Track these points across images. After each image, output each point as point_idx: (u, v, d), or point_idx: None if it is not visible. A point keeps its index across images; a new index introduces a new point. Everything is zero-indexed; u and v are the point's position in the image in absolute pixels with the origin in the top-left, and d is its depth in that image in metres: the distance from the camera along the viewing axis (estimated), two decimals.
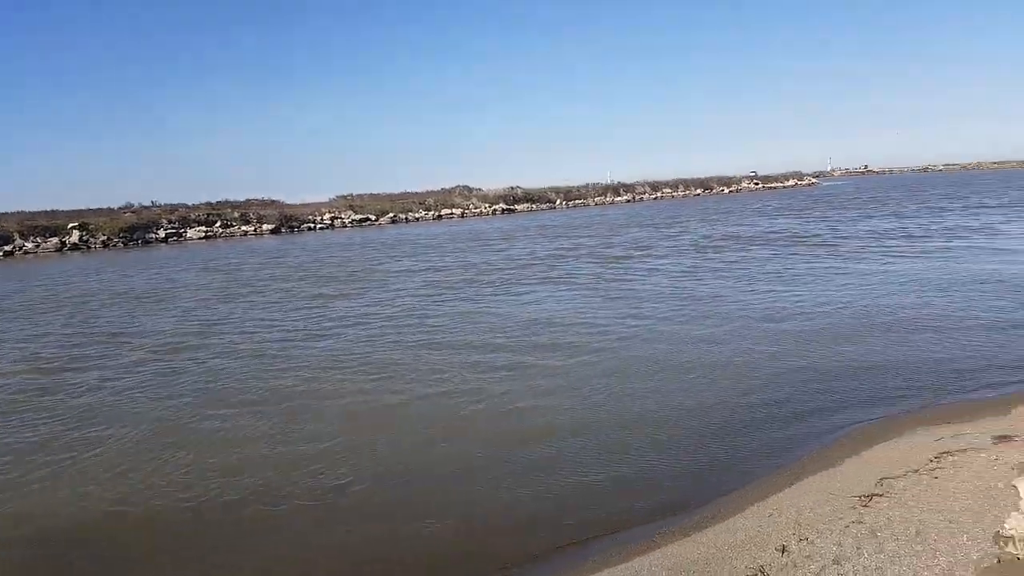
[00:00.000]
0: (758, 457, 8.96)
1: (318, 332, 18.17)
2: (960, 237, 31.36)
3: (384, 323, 18.98)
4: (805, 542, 6.54)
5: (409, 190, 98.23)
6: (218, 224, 73.00)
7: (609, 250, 35.36)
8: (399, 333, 17.42)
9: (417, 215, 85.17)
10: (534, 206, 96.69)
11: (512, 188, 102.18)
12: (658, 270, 26.80)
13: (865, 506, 7.20)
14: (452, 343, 15.90)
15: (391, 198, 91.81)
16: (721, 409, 10.59)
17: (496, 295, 22.88)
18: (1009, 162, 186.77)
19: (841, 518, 6.94)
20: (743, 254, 30.29)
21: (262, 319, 20.83)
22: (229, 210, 77.09)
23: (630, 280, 24.53)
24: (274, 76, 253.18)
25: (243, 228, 73.35)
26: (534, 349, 14.84)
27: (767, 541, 6.73)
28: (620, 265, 29.23)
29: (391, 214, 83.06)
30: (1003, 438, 8.20)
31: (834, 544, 6.36)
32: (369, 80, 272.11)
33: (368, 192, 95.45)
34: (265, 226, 73.62)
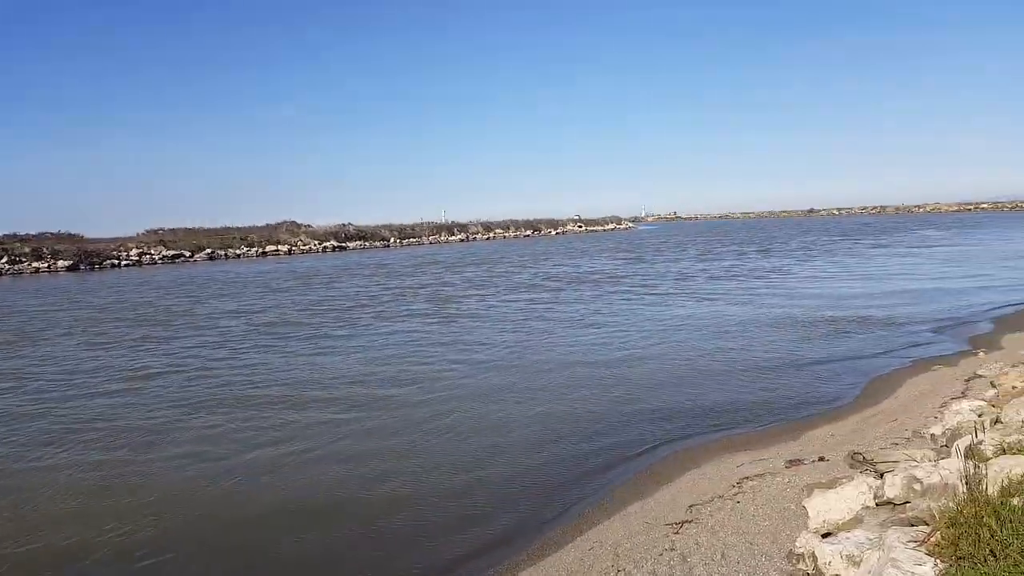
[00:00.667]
0: (580, 491, 9.09)
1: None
2: (757, 278, 34.88)
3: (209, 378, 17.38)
4: (623, 573, 6.64)
5: (231, 224, 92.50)
6: (4, 260, 64.22)
7: (447, 289, 35.36)
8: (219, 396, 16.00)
9: (239, 251, 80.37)
10: (367, 244, 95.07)
11: (344, 225, 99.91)
12: (495, 307, 27.13)
13: (677, 533, 7.50)
14: (242, 398, 14.87)
15: (209, 233, 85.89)
16: (543, 446, 10.69)
17: (326, 337, 21.89)
18: (795, 211, 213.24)
19: (656, 546, 7.15)
20: (572, 293, 31.55)
21: None
22: (18, 244, 68.16)
23: (464, 319, 24.56)
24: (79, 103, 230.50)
25: (35, 264, 65.07)
26: (355, 403, 14.15)
27: (588, 574, 6.77)
28: (457, 304, 29.27)
29: (208, 250, 77.65)
30: (794, 462, 8.95)
31: (649, 573, 6.52)
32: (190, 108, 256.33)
33: (183, 226, 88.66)
34: (60, 262, 65.81)
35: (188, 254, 76.11)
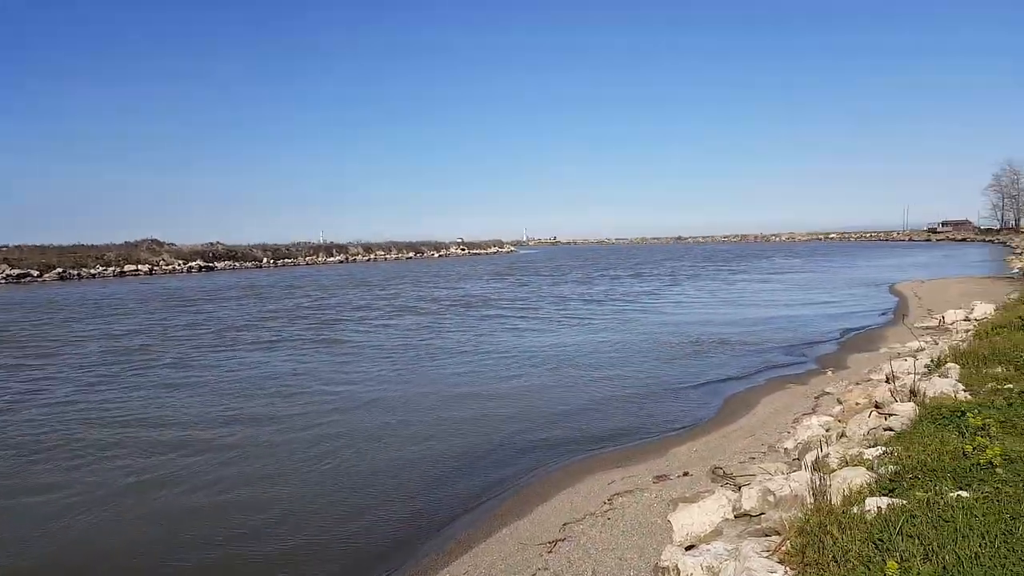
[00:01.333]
0: (457, 515, 8.97)
1: None
2: (629, 301, 36.28)
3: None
4: None
5: (85, 242, 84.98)
6: None
7: (326, 312, 34.23)
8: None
9: (94, 271, 74.19)
10: (238, 264, 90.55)
11: (213, 244, 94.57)
12: (376, 331, 26.53)
13: (550, 552, 7.55)
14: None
15: (61, 251, 78.63)
16: (421, 472, 10.51)
17: (184, 367, 20.51)
18: (665, 238, 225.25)
19: (529, 566, 7.15)
20: (454, 316, 31.45)
21: None
22: None
23: (343, 344, 23.85)
24: None
25: None
26: (214, 445, 13.37)
27: None
28: (335, 328, 28.39)
29: (59, 269, 71.18)
30: (661, 477, 9.28)
31: None
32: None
33: (30, 243, 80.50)
34: None
35: (36, 273, 69.31)
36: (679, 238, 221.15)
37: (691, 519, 6.75)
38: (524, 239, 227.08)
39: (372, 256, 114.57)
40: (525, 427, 12.62)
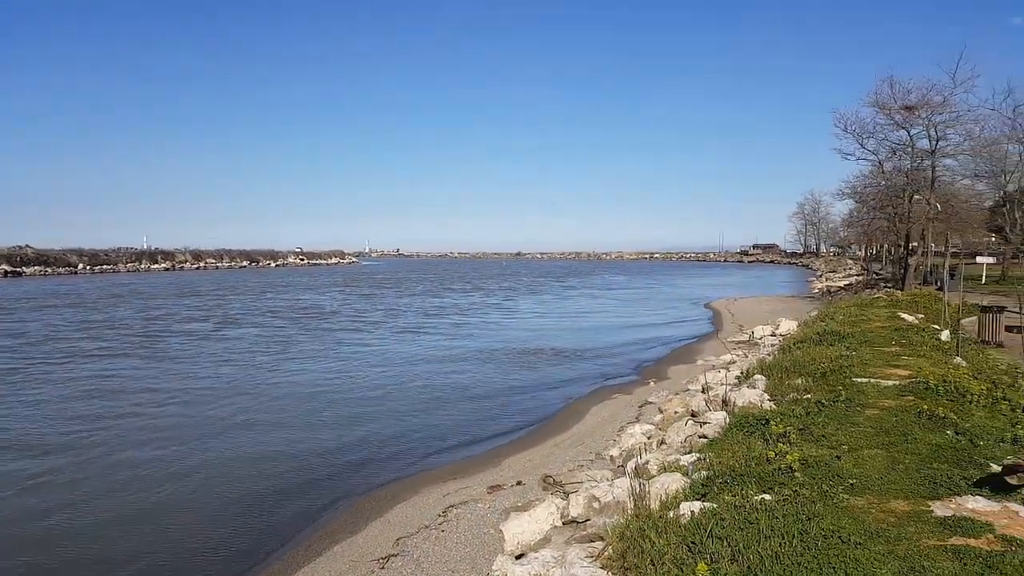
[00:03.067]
0: (288, 535, 8.46)
1: None
2: (471, 315, 36.59)
3: None
4: None
5: None
6: None
7: (154, 324, 31.25)
8: None
9: None
10: (50, 270, 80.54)
11: (21, 247, 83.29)
12: (210, 343, 24.60)
13: (383, 568, 7.30)
14: None
15: None
16: (252, 491, 9.87)
17: None
18: (505, 253, 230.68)
19: None
20: (293, 329, 29.97)
21: None
22: None
23: (175, 357, 21.89)
24: None
25: None
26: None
27: None
28: (165, 340, 26.01)
29: None
30: (495, 487, 9.32)
31: None
32: None
33: None
34: None
35: None
36: (519, 254, 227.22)
37: (522, 528, 6.79)
38: (366, 250, 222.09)
39: (202, 264, 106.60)
40: (362, 441, 12.24)
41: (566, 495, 7.41)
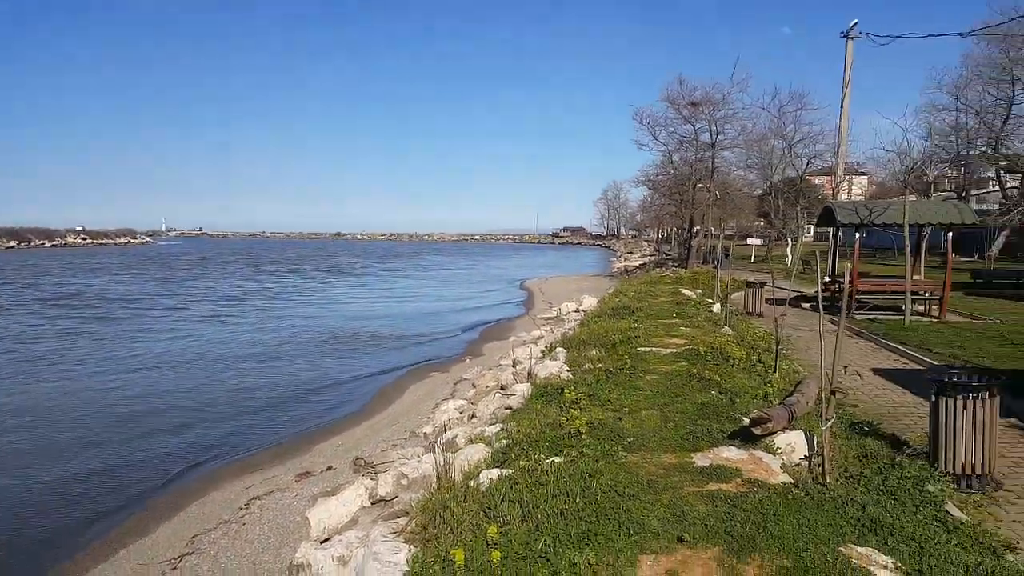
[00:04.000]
0: (71, 541, 7.70)
1: None
2: (287, 297, 35.01)
3: None
4: None
5: None
6: None
7: None
8: None
9: None
10: None
11: None
12: None
13: (174, 568, 6.93)
14: None
15: None
16: (32, 496, 8.81)
17: None
18: (324, 234, 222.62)
19: None
20: (79, 320, 26.81)
21: None
22: None
23: None
24: None
25: None
26: None
27: None
28: None
29: None
30: (303, 475, 9.15)
31: None
32: None
33: None
34: None
35: None
36: (338, 234, 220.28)
37: (329, 512, 6.78)
38: (163, 229, 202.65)
39: None
40: (157, 437, 11.39)
41: (376, 475, 7.49)
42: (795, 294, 21.16)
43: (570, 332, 14.67)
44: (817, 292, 6.46)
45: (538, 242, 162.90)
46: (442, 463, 5.95)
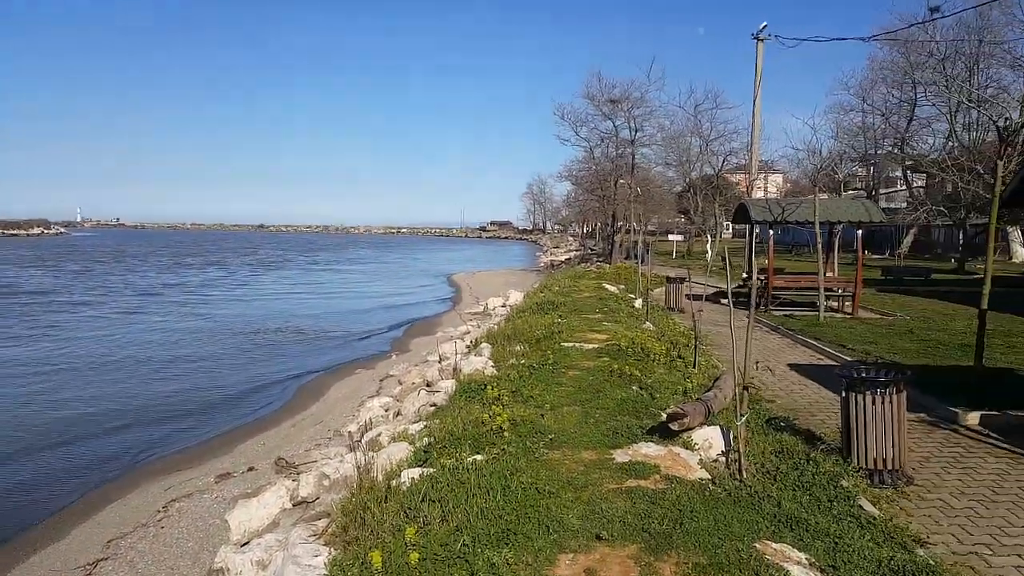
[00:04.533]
0: None
1: None
2: (209, 290, 33.75)
3: None
4: None
5: None
6: None
7: None
8: None
9: None
10: None
11: None
12: None
13: (89, 575, 6.64)
14: None
15: None
16: None
17: None
18: (247, 225, 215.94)
19: None
20: None
21: None
22: None
23: None
24: None
25: None
26: None
27: None
28: None
29: None
30: (224, 476, 8.88)
31: None
32: None
33: None
34: None
35: None
36: (261, 226, 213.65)
37: (249, 515, 6.61)
38: (78, 220, 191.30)
39: None
40: (77, 440, 10.87)
41: (298, 476, 7.35)
42: (714, 290, 21.92)
43: (496, 327, 14.73)
44: (731, 289, 6.69)
45: (465, 236, 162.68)
46: (363, 463, 5.89)
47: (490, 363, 10.23)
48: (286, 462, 8.35)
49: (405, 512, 4.72)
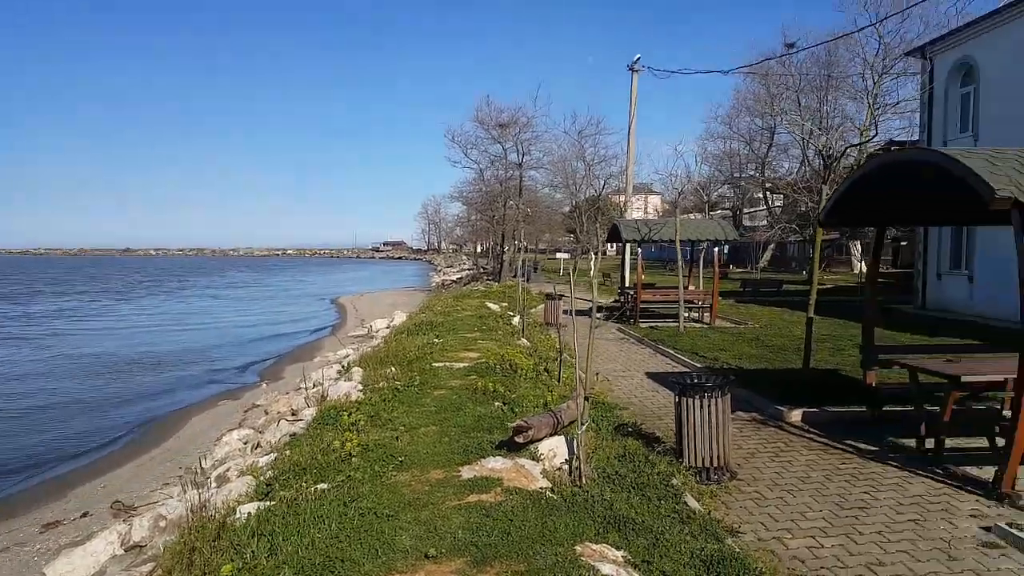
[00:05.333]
0: None
1: None
2: (59, 320, 31.09)
3: None
4: None
5: None
6: None
7: None
8: None
9: None
10: None
11: None
12: None
13: None
14: None
15: None
16: None
17: None
18: (110, 249, 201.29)
19: None
20: None
21: None
22: None
23: None
24: None
25: None
26: None
27: None
28: None
29: None
30: (52, 524, 8.11)
31: None
32: None
33: None
34: None
35: None
36: (127, 250, 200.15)
37: (72, 565, 6.07)
38: None
39: None
40: None
41: (132, 519, 6.83)
42: (592, 305, 22.57)
43: (371, 350, 14.46)
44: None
45: (357, 257, 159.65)
46: (198, 501, 5.56)
47: (359, 387, 9.99)
48: (123, 505, 7.75)
49: (236, 549, 4.48)
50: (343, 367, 13.23)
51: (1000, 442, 6.23)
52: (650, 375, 11.23)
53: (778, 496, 5.78)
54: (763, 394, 9.02)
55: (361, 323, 28.36)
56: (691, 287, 20.12)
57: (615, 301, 20.97)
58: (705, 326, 17.36)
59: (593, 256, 46.11)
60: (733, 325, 17.49)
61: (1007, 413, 6.34)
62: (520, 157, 38.74)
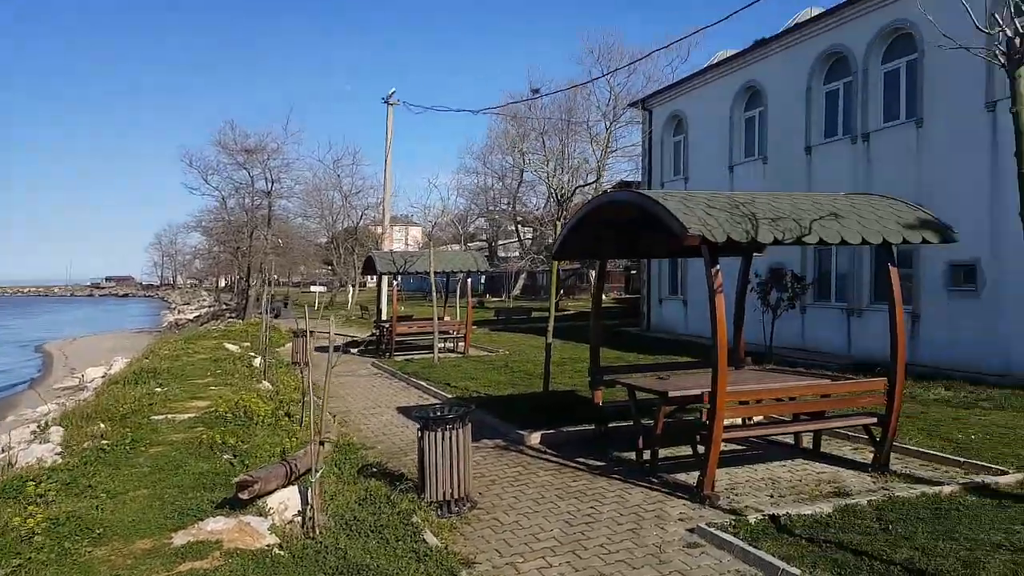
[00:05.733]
0: None
1: None
2: None
3: None
4: None
5: None
6: None
7: None
8: None
9: None
10: None
11: None
12: None
13: None
14: None
15: None
16: None
17: None
18: None
19: None
20: None
21: None
22: None
23: None
24: None
25: None
26: None
27: None
28: None
29: None
30: None
31: None
32: None
33: None
34: None
35: None
36: None
37: None
38: None
39: None
40: None
41: None
42: (348, 339, 21.95)
43: (78, 405, 12.50)
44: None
45: (72, 294, 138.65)
46: None
47: (58, 449, 8.51)
48: None
49: None
50: (40, 427, 11.23)
51: (701, 449, 7.03)
52: (401, 410, 11.08)
53: (514, 520, 5.92)
54: (508, 420, 9.33)
55: (72, 372, 24.53)
56: (447, 318, 20.45)
57: (371, 335, 20.58)
58: (459, 355, 17.70)
59: (351, 288, 45.31)
60: (486, 353, 18.06)
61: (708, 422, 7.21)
62: (269, 185, 36.71)
